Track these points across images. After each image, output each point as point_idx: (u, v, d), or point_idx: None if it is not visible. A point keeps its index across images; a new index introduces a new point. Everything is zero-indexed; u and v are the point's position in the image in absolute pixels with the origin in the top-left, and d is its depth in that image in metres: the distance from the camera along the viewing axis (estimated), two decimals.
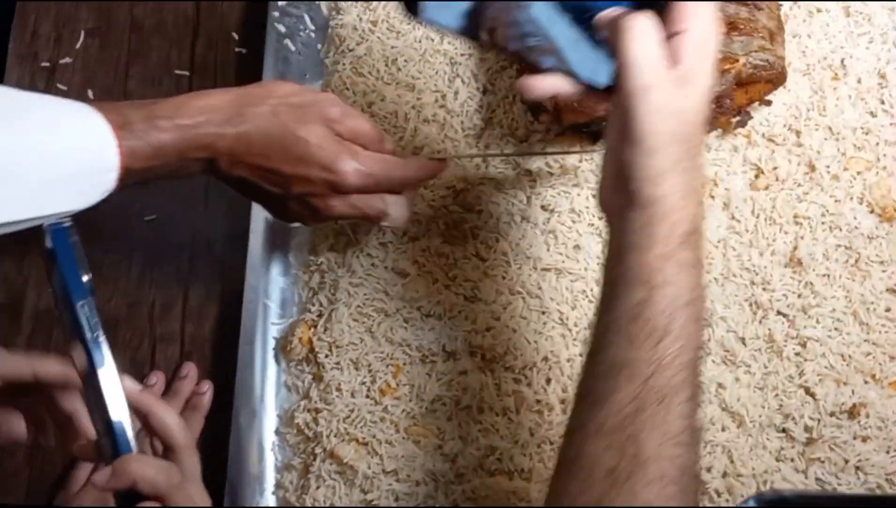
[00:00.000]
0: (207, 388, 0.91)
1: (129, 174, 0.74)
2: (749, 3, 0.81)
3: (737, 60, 0.80)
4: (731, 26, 0.81)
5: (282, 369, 0.89)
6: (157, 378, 0.93)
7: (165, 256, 0.97)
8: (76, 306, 0.67)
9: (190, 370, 0.92)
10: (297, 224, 0.92)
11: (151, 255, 0.97)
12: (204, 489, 0.69)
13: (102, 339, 0.66)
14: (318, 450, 0.84)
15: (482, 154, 0.87)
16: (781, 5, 0.87)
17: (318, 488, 0.83)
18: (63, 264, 0.67)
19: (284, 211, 0.81)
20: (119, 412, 0.65)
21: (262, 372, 0.88)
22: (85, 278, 0.68)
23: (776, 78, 0.83)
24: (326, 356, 0.86)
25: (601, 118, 0.82)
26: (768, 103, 0.87)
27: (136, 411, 0.69)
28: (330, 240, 0.90)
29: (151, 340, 0.95)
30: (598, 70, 0.64)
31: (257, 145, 0.76)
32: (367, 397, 0.85)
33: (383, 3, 0.95)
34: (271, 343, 0.89)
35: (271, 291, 0.91)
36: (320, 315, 0.88)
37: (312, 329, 0.87)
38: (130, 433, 0.65)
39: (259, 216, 0.93)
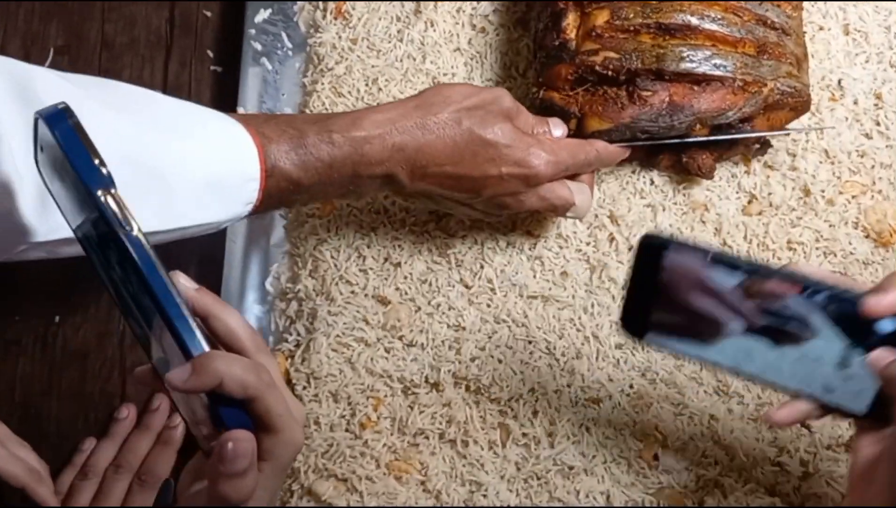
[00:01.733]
0: (179, 421, 0.88)
1: (301, 190, 0.72)
2: (777, 27, 0.79)
3: (765, 84, 0.78)
4: (761, 49, 0.78)
5: None
6: (128, 411, 0.89)
7: None
8: (99, 200, 0.52)
9: (162, 402, 0.89)
10: (275, 246, 0.89)
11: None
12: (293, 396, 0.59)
13: (139, 233, 0.53)
14: (294, 487, 0.81)
15: (677, 141, 0.82)
16: (805, 31, 0.84)
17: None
18: (71, 152, 0.52)
19: (470, 213, 0.81)
20: (180, 309, 0.53)
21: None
22: (97, 162, 0.53)
23: (801, 106, 0.81)
24: (304, 388, 0.83)
25: (625, 126, 0.79)
26: (787, 134, 0.84)
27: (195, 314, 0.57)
28: (309, 267, 0.86)
29: (122, 370, 0.91)
30: (858, 397, 0.59)
31: (444, 155, 0.74)
32: (347, 430, 0.81)
33: (363, 21, 0.92)
34: None
35: (246, 315, 0.87)
36: (298, 345, 0.84)
37: (290, 360, 0.84)
38: (199, 333, 0.53)
39: (235, 242, 0.89)
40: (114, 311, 0.92)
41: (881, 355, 0.56)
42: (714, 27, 0.78)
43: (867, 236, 0.83)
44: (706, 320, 0.59)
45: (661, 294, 0.59)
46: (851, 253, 0.82)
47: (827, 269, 0.59)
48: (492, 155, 0.75)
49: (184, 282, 0.56)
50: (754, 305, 0.57)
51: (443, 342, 0.83)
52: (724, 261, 0.58)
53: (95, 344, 0.92)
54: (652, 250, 0.59)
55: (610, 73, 0.79)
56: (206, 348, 0.53)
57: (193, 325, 0.53)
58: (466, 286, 0.84)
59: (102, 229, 0.53)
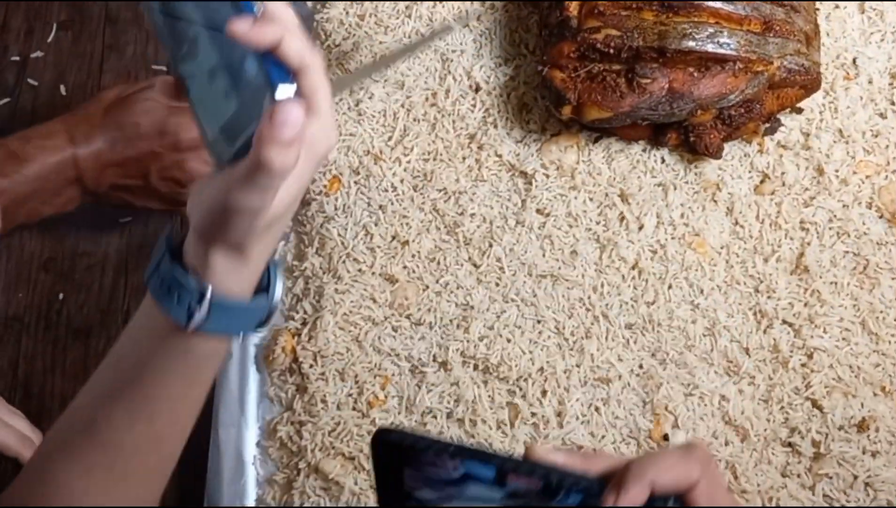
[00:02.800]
0: None
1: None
2: (786, 3, 0.78)
3: (770, 63, 0.77)
4: (766, 27, 0.77)
5: (264, 378, 0.84)
6: None
7: (139, 261, 0.92)
8: None
9: None
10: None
11: (125, 260, 0.92)
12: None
13: None
14: (301, 465, 0.80)
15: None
16: (819, 8, 0.83)
17: (301, 505, 0.78)
18: None
19: (161, 199, 0.83)
20: None
21: (243, 382, 0.84)
22: None
23: (811, 84, 0.80)
24: (311, 367, 0.82)
25: (625, 114, 0.78)
26: (799, 111, 0.83)
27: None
28: (315, 245, 0.85)
29: None
30: None
31: (106, 152, 0.81)
32: (354, 409, 0.81)
33: None
34: (252, 352, 0.85)
35: None
36: (304, 323, 0.83)
37: (296, 338, 0.83)
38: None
39: None
40: (117, 289, 0.92)
41: None
42: (718, 4, 0.78)
43: (881, 217, 0.82)
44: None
45: (406, 485, 0.53)
46: (865, 233, 0.81)
47: (572, 453, 0.55)
48: (137, 132, 0.82)
49: None
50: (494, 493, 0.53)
51: (451, 320, 0.82)
52: (459, 456, 0.52)
53: (98, 322, 0.91)
54: (387, 447, 0.53)
55: (611, 50, 0.78)
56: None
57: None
58: (475, 265, 0.84)
59: None
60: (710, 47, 0.77)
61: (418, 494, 0.53)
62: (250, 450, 0.83)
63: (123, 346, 0.59)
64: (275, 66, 0.49)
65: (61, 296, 0.91)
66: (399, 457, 0.52)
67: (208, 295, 0.53)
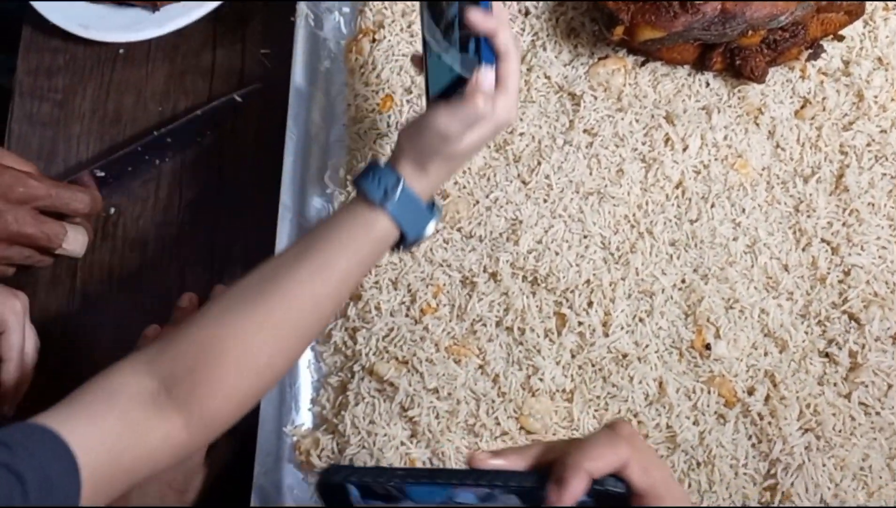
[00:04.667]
0: None
1: None
2: None
3: None
4: None
5: None
6: (190, 299, 0.90)
7: (196, 175, 0.95)
8: None
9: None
10: (335, 140, 0.91)
11: (179, 176, 0.95)
12: None
13: None
14: (356, 368, 0.83)
15: None
16: None
17: (356, 405, 0.81)
18: None
19: None
20: None
21: None
22: None
23: (856, 9, 0.82)
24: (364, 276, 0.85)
25: (678, 34, 0.81)
26: (841, 39, 0.86)
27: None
28: (367, 158, 0.88)
29: (180, 261, 0.93)
30: None
31: None
32: (407, 316, 0.84)
33: None
34: None
35: (307, 210, 0.89)
36: None
37: None
38: None
39: (294, 135, 0.91)
40: (172, 202, 0.94)
41: None
42: None
43: None
44: None
45: None
46: None
47: (509, 452, 0.61)
48: None
49: None
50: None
51: (500, 234, 0.85)
52: (407, 481, 0.57)
53: (154, 234, 0.94)
54: (333, 488, 0.58)
55: None
56: None
57: None
58: (524, 182, 0.86)
59: None
60: None
61: None
62: (304, 355, 0.86)
63: (317, 228, 0.72)
64: (487, 48, 0.69)
65: (112, 210, 0.94)
66: (346, 495, 0.57)
67: (402, 182, 0.70)
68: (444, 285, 0.84)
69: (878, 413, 0.78)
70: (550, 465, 0.59)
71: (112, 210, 0.94)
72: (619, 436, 0.59)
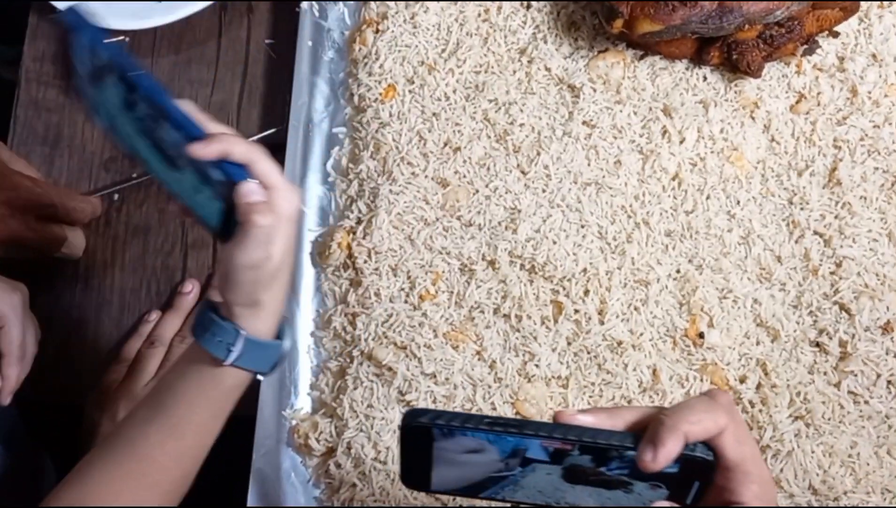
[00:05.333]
0: None
1: None
2: None
3: None
4: None
5: (318, 273, 0.89)
6: (192, 286, 0.92)
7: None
8: (102, 52, 0.64)
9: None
10: (337, 129, 0.93)
11: None
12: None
13: (147, 73, 0.65)
14: (355, 353, 0.84)
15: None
16: None
17: (355, 389, 0.83)
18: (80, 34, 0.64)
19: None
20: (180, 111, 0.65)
21: (298, 276, 0.88)
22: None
23: (850, 6, 0.84)
24: (365, 262, 0.86)
25: (676, 27, 0.82)
26: (836, 35, 0.88)
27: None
28: (371, 149, 0.90)
29: (183, 246, 0.94)
30: None
31: None
32: (406, 302, 0.85)
33: None
34: (307, 248, 0.90)
35: (308, 197, 0.91)
36: (359, 222, 0.88)
37: (352, 235, 0.87)
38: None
39: (297, 124, 0.92)
40: None
41: (665, 505, 0.57)
42: None
43: None
44: (484, 475, 0.57)
45: (437, 460, 0.57)
46: (894, 151, 0.86)
47: (598, 411, 0.58)
48: None
49: (188, 103, 0.67)
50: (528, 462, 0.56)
51: (499, 222, 0.86)
52: (492, 430, 0.56)
53: (157, 220, 0.95)
54: (418, 430, 0.57)
55: None
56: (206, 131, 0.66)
57: (193, 118, 0.66)
58: (523, 172, 0.88)
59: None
60: None
61: (444, 475, 0.57)
62: (304, 340, 0.87)
63: (164, 382, 0.72)
64: (231, 166, 0.65)
65: (116, 197, 0.95)
66: (429, 436, 0.56)
67: (242, 337, 0.68)
68: (443, 272, 0.86)
69: (866, 402, 0.80)
70: (638, 428, 0.57)
71: (116, 196, 0.95)
72: (718, 403, 0.57)
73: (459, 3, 0.93)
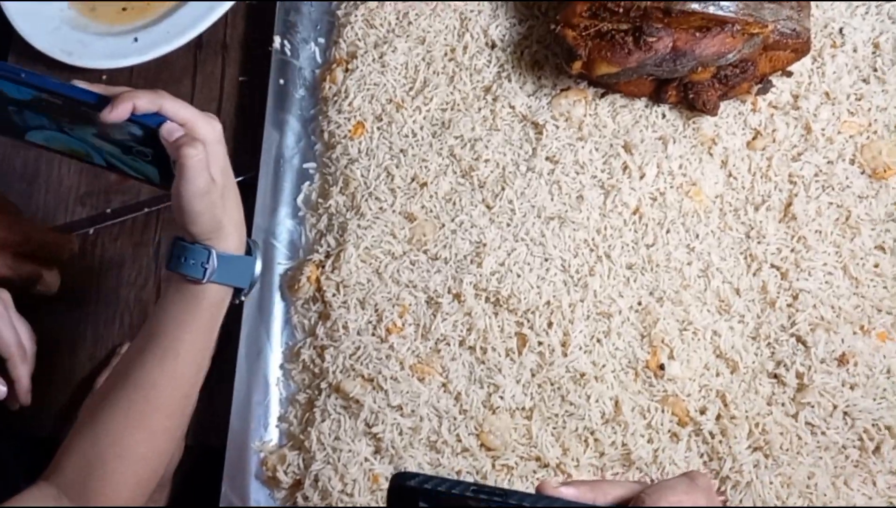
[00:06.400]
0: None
1: None
2: None
3: (765, 26, 0.83)
4: None
5: (288, 306, 0.90)
6: None
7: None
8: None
9: None
10: (307, 165, 0.94)
11: (158, 196, 0.98)
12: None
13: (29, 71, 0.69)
14: (323, 385, 0.86)
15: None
16: None
17: (322, 421, 0.84)
18: None
19: None
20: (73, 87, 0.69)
21: (268, 309, 0.90)
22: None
23: (801, 48, 0.87)
24: (334, 296, 0.88)
25: (632, 69, 0.84)
26: (789, 74, 0.90)
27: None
28: (340, 184, 0.91)
29: (156, 280, 0.96)
30: None
31: None
32: (373, 335, 0.87)
33: None
34: (277, 282, 0.91)
35: (278, 232, 0.93)
36: (328, 256, 0.90)
37: (320, 269, 0.89)
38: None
39: (269, 160, 0.94)
40: (150, 221, 0.97)
41: None
42: None
43: (863, 172, 0.89)
44: None
45: None
46: (848, 186, 0.88)
47: (580, 483, 0.59)
48: None
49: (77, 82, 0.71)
50: None
51: (465, 256, 0.88)
52: (477, 497, 0.57)
53: (131, 254, 0.97)
54: (405, 492, 0.58)
55: (620, 10, 0.85)
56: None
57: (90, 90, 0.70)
58: (488, 207, 0.90)
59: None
60: (711, 9, 0.84)
61: None
62: (274, 372, 0.89)
63: (151, 318, 0.75)
64: (144, 117, 0.70)
65: (91, 231, 0.97)
66: (415, 500, 0.57)
67: (214, 253, 0.71)
68: (410, 305, 0.87)
69: (823, 433, 0.82)
70: (620, 503, 0.59)
71: (91, 231, 0.97)
72: (697, 486, 0.59)
73: (426, 43, 0.95)
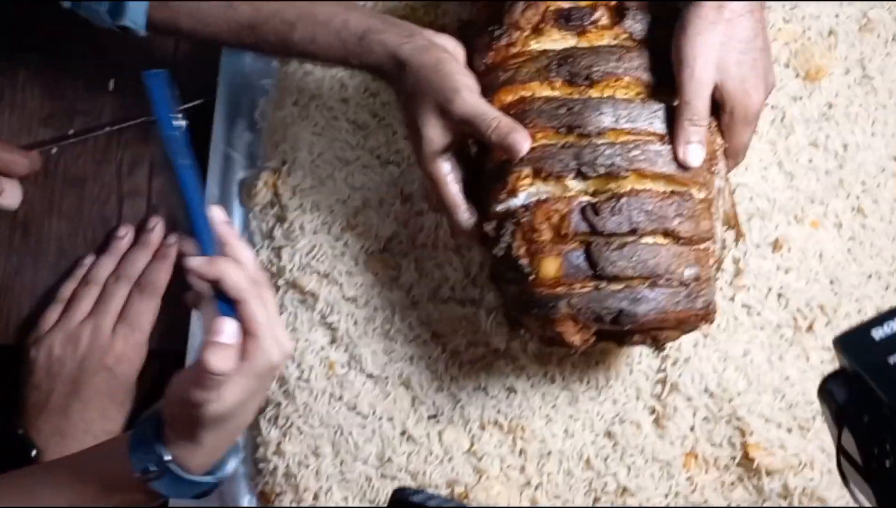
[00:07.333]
0: (175, 240, 0.95)
1: None
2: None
3: None
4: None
5: (246, 213, 0.93)
6: (127, 230, 0.96)
7: (132, 116, 1.00)
8: (165, 137, 0.68)
9: (156, 222, 0.96)
10: (264, 81, 0.97)
11: (120, 118, 1.00)
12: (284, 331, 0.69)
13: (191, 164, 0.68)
14: (280, 282, 0.89)
15: None
16: None
17: (280, 315, 0.87)
18: (157, 103, 0.69)
19: None
20: (207, 216, 0.67)
21: (228, 216, 0.93)
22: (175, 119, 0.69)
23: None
24: (290, 199, 0.91)
25: None
26: None
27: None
28: (294, 95, 0.94)
29: (119, 195, 0.99)
30: None
31: None
32: (329, 234, 0.90)
33: None
34: (236, 191, 0.94)
35: (237, 144, 0.96)
36: (284, 163, 0.92)
37: (277, 175, 0.92)
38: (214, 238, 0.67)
39: (227, 78, 0.97)
40: (112, 140, 1.00)
41: None
42: None
43: (797, 75, 0.93)
44: None
45: None
46: (783, 88, 0.91)
47: None
48: None
49: (216, 212, 0.68)
50: None
51: (415, 161, 0.91)
52: None
53: (93, 172, 0.99)
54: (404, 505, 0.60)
55: None
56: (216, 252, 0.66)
57: (211, 233, 0.66)
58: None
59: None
60: None
61: None
62: None
63: (87, 458, 0.71)
64: (220, 298, 0.64)
65: (54, 150, 0.99)
66: None
67: (167, 464, 0.66)
68: (364, 206, 0.90)
69: (759, 314, 0.85)
70: None
71: (54, 150, 1.00)
72: None
73: None
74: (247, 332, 0.63)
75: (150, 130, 0.99)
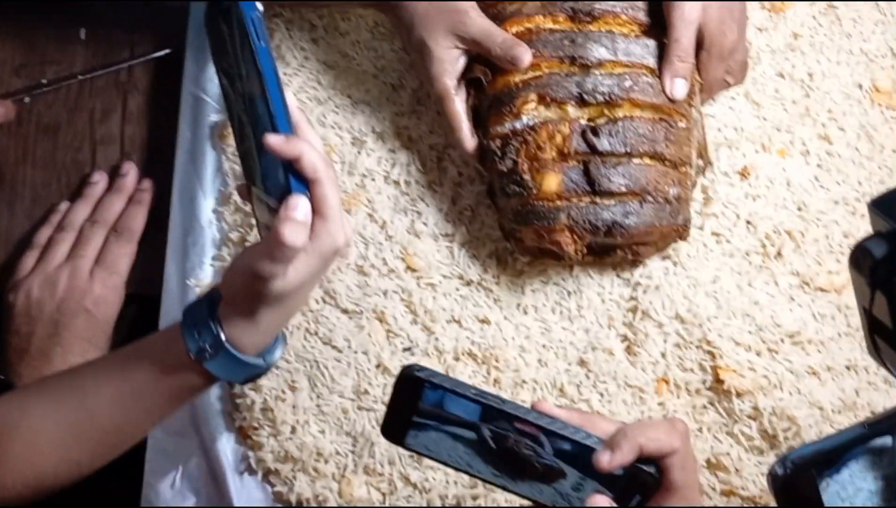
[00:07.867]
0: (149, 185, 0.96)
1: None
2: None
3: None
4: None
5: (218, 155, 0.94)
6: (100, 177, 0.97)
7: (105, 65, 1.00)
8: (246, 18, 0.65)
9: (130, 168, 0.97)
10: None
11: (91, 67, 1.01)
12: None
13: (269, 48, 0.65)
14: (253, 221, 0.89)
15: None
16: None
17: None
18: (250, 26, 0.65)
19: None
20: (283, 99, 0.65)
21: (200, 160, 0.93)
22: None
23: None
24: None
25: None
26: None
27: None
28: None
29: (92, 142, 0.99)
30: None
31: None
32: None
33: None
34: (208, 133, 0.95)
35: (208, 88, 0.96)
36: None
37: None
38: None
39: (195, 24, 0.97)
40: (84, 89, 1.00)
41: (598, 500, 0.63)
42: None
43: (763, 8, 0.94)
44: (456, 444, 0.64)
45: (419, 415, 0.64)
46: (748, 19, 0.93)
47: (572, 410, 0.67)
48: None
49: (291, 98, 0.67)
50: (499, 436, 0.63)
51: (387, 98, 0.92)
52: (475, 399, 0.63)
53: (67, 119, 0.99)
54: (413, 381, 0.63)
55: None
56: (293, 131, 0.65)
57: (288, 115, 0.66)
58: (407, 53, 0.94)
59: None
60: None
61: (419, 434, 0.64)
62: (207, 216, 0.92)
63: (138, 348, 0.72)
64: (294, 176, 0.64)
65: (27, 100, 1.00)
66: (420, 391, 0.63)
67: (224, 344, 0.66)
68: (336, 144, 0.91)
69: (728, 241, 0.86)
70: (600, 434, 0.64)
71: (26, 99, 1.00)
72: (676, 429, 0.64)
73: None
74: (317, 212, 0.65)
75: (123, 80, 1.00)
